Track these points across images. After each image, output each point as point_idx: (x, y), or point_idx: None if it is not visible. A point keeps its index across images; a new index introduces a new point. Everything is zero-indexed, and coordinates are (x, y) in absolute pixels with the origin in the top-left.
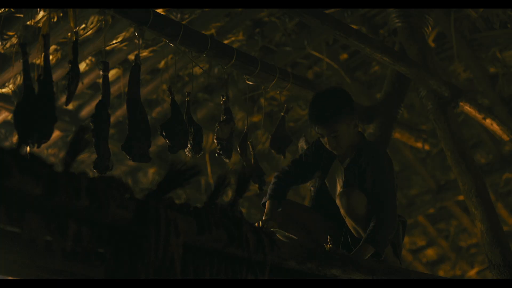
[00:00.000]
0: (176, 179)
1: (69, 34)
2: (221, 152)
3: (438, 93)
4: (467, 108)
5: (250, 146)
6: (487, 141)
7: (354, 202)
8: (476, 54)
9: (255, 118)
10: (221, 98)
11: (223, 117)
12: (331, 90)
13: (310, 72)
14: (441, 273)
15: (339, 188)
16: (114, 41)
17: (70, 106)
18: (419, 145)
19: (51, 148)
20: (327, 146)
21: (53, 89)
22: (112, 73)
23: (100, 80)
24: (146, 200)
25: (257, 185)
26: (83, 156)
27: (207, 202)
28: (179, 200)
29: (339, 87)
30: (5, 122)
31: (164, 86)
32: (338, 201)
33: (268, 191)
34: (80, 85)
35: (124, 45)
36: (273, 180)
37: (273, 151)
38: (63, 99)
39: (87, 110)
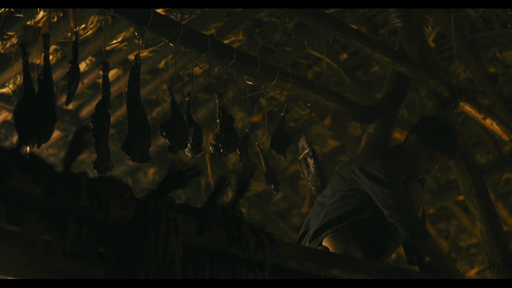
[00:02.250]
0: (176, 180)
1: (69, 34)
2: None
3: (438, 93)
4: (467, 108)
5: (258, 148)
6: (487, 141)
7: None
8: (476, 54)
9: (255, 118)
10: (216, 96)
11: (219, 117)
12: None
13: (310, 72)
14: None
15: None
16: (114, 41)
17: (70, 106)
18: None
19: (51, 148)
20: (429, 173)
21: (53, 89)
22: (112, 73)
23: (100, 80)
24: (146, 200)
25: (256, 185)
26: (83, 156)
27: (207, 202)
28: (179, 200)
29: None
30: (5, 122)
31: (164, 86)
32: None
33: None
34: (80, 85)
35: (124, 45)
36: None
37: (273, 151)
38: (63, 99)
39: (87, 110)
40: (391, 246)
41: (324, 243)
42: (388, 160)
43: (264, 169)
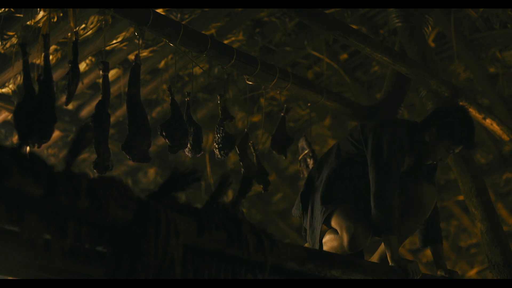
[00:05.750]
0: (178, 182)
1: (69, 34)
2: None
3: (438, 93)
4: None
5: (251, 147)
6: (487, 141)
7: None
8: (476, 54)
9: (255, 118)
10: (218, 97)
11: (220, 118)
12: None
13: (310, 72)
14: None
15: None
16: (114, 41)
17: (70, 106)
18: None
19: (51, 148)
20: (443, 161)
21: (53, 89)
22: (112, 73)
23: (100, 80)
24: (146, 200)
25: (256, 185)
26: (83, 156)
27: (207, 203)
28: (179, 200)
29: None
30: (5, 122)
31: (164, 86)
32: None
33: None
34: (80, 85)
35: (124, 45)
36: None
37: (274, 152)
38: (63, 99)
39: (87, 110)
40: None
41: (334, 223)
42: (398, 138)
43: (255, 168)
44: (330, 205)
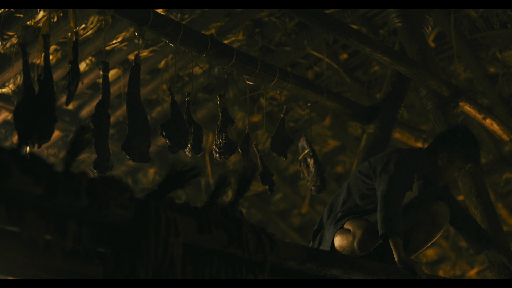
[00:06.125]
0: (176, 180)
1: (69, 34)
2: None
3: (438, 93)
4: (467, 108)
5: (255, 148)
6: (487, 141)
7: None
8: (476, 54)
9: (255, 118)
10: (218, 98)
11: (221, 120)
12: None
13: (310, 72)
14: (441, 273)
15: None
16: (114, 41)
17: (70, 106)
18: (419, 145)
19: (51, 148)
20: (455, 180)
21: (53, 89)
22: (112, 73)
23: (100, 80)
24: (146, 200)
25: (256, 185)
26: (83, 156)
27: (207, 202)
28: (179, 200)
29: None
30: (5, 122)
31: (164, 86)
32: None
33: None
34: (80, 85)
35: (124, 45)
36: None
37: (274, 153)
38: (63, 99)
39: (87, 110)
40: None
41: (346, 226)
42: (406, 160)
43: (260, 169)
44: (343, 220)
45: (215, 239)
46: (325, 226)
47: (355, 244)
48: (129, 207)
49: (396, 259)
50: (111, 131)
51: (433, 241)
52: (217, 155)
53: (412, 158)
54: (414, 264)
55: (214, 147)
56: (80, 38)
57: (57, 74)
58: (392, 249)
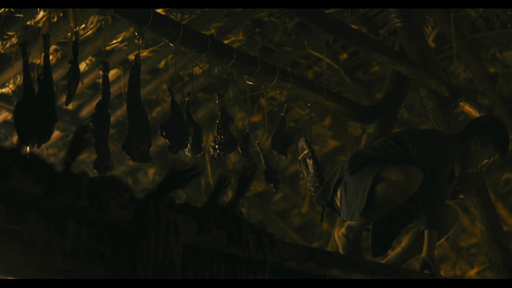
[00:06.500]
0: (176, 180)
1: (69, 34)
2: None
3: (438, 93)
4: (467, 108)
5: (258, 147)
6: None
7: None
8: (476, 54)
9: (255, 118)
10: (216, 97)
11: (220, 118)
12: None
13: (310, 72)
14: (441, 273)
15: None
16: (114, 41)
17: (70, 106)
18: None
19: (51, 148)
20: (483, 168)
21: (53, 89)
22: (112, 73)
23: (100, 80)
24: (146, 200)
25: (256, 185)
26: (83, 156)
27: (207, 202)
28: (179, 200)
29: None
30: (5, 122)
31: (164, 86)
32: None
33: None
34: (80, 85)
35: (124, 45)
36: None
37: (274, 152)
38: (63, 99)
39: (87, 110)
40: None
41: (385, 175)
42: (446, 149)
43: (264, 167)
44: (378, 164)
45: (215, 239)
46: (344, 176)
47: (405, 180)
48: (129, 207)
49: (425, 251)
50: (111, 131)
51: (437, 244)
52: (216, 152)
53: (450, 145)
54: (437, 263)
55: (213, 144)
56: (80, 38)
57: (57, 74)
58: (426, 241)
